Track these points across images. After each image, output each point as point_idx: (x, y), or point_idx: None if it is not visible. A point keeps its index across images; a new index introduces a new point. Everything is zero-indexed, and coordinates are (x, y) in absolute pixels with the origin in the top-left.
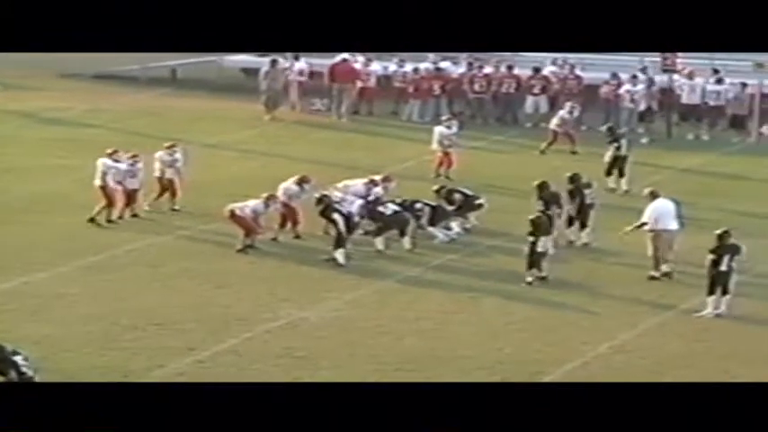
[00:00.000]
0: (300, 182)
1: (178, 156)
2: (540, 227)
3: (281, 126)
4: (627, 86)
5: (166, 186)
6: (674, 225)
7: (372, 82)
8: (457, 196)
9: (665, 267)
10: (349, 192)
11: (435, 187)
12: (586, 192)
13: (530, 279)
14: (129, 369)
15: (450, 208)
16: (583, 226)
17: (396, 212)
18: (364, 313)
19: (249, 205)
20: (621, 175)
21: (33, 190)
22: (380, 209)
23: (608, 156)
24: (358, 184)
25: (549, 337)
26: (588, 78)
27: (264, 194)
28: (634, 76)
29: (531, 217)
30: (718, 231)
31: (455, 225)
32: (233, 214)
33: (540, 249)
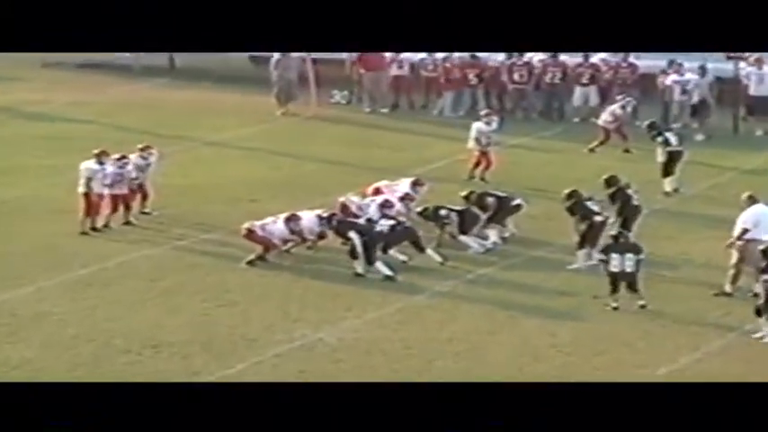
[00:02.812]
0: (321, 217)
1: (152, 160)
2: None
3: (295, 121)
4: (688, 75)
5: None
6: (766, 236)
7: (405, 70)
8: (489, 200)
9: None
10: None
11: (463, 193)
12: (629, 192)
13: (613, 304)
14: None
15: (484, 215)
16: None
17: (392, 227)
18: (389, 334)
19: (268, 227)
20: (669, 173)
21: (11, 194)
22: (378, 229)
23: (660, 155)
24: (372, 205)
25: (599, 360)
26: (644, 67)
27: (284, 215)
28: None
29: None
30: (761, 248)
31: (492, 234)
32: (250, 233)
33: (611, 268)
